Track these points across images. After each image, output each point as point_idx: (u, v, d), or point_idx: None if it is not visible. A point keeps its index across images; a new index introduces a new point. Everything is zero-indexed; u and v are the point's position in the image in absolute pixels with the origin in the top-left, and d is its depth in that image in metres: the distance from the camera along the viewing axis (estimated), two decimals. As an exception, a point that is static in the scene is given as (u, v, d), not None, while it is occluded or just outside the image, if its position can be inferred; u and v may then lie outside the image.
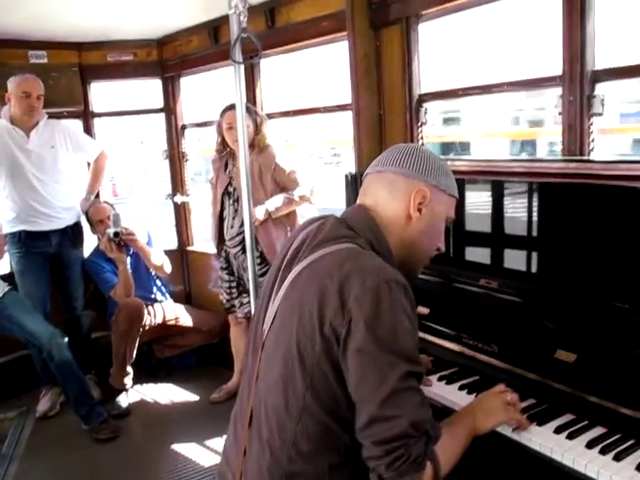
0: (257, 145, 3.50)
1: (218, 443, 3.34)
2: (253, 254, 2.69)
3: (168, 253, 4.40)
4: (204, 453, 3.34)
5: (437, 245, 1.56)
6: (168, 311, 4.29)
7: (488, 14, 2.94)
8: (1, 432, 3.67)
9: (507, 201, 2.17)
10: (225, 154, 3.66)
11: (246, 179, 2.59)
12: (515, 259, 2.15)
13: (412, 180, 1.46)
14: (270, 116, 3.72)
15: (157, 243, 4.36)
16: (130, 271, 4.03)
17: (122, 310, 3.90)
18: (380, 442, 1.24)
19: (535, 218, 2.05)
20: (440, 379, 1.95)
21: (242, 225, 3.22)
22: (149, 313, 4.08)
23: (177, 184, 4.87)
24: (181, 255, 4.92)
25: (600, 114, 2.32)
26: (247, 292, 3.59)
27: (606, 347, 1.68)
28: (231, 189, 3.60)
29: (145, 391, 4.20)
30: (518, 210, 2.13)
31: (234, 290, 3.75)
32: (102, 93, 4.86)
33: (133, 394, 4.07)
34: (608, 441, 1.51)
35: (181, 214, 4.93)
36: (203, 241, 4.95)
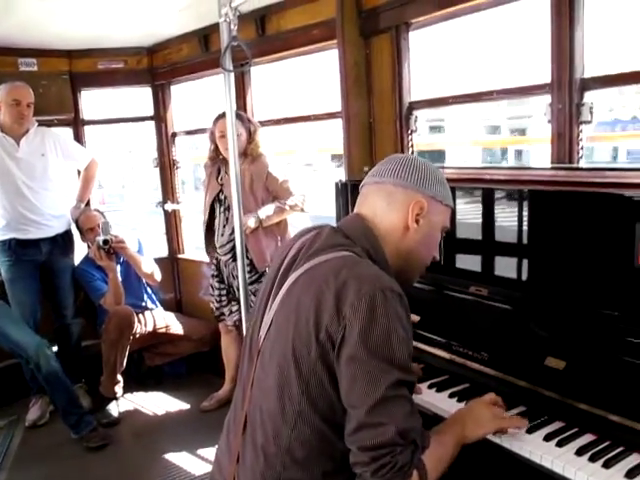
0: (250, 154, 3.49)
1: (209, 451, 3.32)
2: (244, 263, 2.69)
3: (159, 261, 4.39)
4: (195, 461, 3.32)
5: (433, 254, 1.58)
6: (158, 319, 4.27)
7: (478, 23, 2.95)
8: (-10, 441, 3.64)
9: (497, 209, 2.18)
10: (217, 161, 3.65)
11: (237, 188, 2.59)
12: (505, 267, 2.15)
13: (410, 191, 1.47)
14: (261, 124, 3.73)
15: (147, 251, 4.35)
16: (120, 279, 4.02)
17: (112, 318, 3.89)
18: (367, 448, 1.25)
19: (525, 226, 2.06)
20: (430, 387, 1.94)
21: (232, 233, 3.22)
22: (139, 321, 4.06)
23: (168, 192, 4.86)
24: (172, 263, 4.91)
25: (589, 122, 2.33)
26: (237, 300, 3.59)
27: (595, 354, 1.68)
28: (222, 197, 3.60)
29: (135, 399, 4.17)
30: (508, 218, 2.14)
31: (224, 298, 3.75)
32: (92, 101, 4.85)
33: (123, 402, 4.04)
34: (598, 448, 1.51)
35: (172, 222, 4.92)
36: (194, 249, 4.94)
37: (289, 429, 1.33)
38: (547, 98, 2.40)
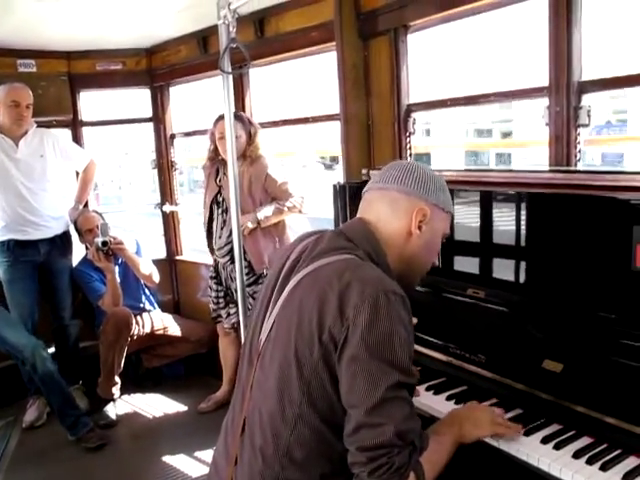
0: (249, 155, 3.48)
1: (207, 453, 3.32)
2: (241, 266, 2.68)
3: (157, 262, 4.39)
4: (192, 463, 3.32)
5: (433, 260, 1.60)
6: (156, 321, 4.27)
7: (476, 26, 2.96)
8: (-13, 443, 3.64)
9: (495, 211, 2.18)
10: (217, 161, 3.64)
11: (235, 190, 2.59)
12: (503, 269, 2.16)
13: (414, 199, 1.49)
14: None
15: (146, 252, 4.34)
16: (119, 280, 4.02)
17: (110, 319, 3.88)
18: (364, 449, 1.25)
19: (523, 228, 2.06)
20: (428, 389, 1.95)
21: (230, 235, 3.22)
22: (137, 323, 4.06)
23: (166, 193, 4.86)
24: (170, 265, 4.91)
25: (587, 125, 2.33)
26: (235, 303, 3.58)
27: (592, 357, 1.68)
28: (220, 199, 3.59)
29: (133, 401, 4.17)
30: (506, 220, 2.14)
31: (221, 300, 3.74)
32: (91, 102, 4.85)
33: (121, 404, 4.04)
34: (595, 451, 1.51)
35: (170, 223, 4.92)
36: (189, 250, 4.94)
37: (289, 430, 1.34)
38: (545, 101, 2.41)
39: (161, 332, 4.26)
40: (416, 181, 1.50)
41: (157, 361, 4.38)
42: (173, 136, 4.80)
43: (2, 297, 3.86)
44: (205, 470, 2.97)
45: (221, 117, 3.43)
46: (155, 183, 5.04)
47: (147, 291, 4.36)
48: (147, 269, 4.14)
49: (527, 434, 1.60)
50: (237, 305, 2.97)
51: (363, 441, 1.26)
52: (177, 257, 4.92)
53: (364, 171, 2.82)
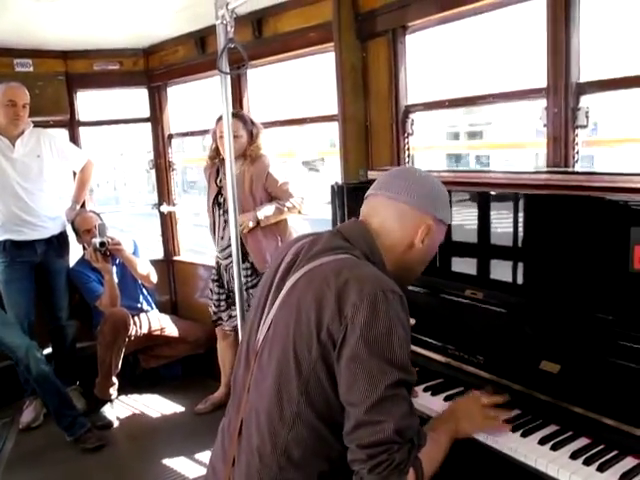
0: (249, 155, 3.46)
1: (204, 454, 3.31)
2: (239, 265, 2.68)
3: (154, 263, 4.38)
4: (190, 464, 3.31)
5: (426, 265, 1.64)
6: (154, 321, 4.26)
7: (474, 26, 2.96)
8: (-17, 444, 3.63)
9: (493, 212, 2.18)
10: (218, 161, 3.62)
11: (232, 190, 2.59)
12: (501, 270, 2.15)
13: (422, 214, 1.51)
14: (258, 126, 3.72)
15: (143, 253, 4.34)
16: (116, 281, 4.01)
17: (108, 320, 3.88)
18: (364, 446, 1.26)
19: (520, 229, 2.06)
20: (426, 390, 1.94)
21: (232, 235, 3.21)
22: (135, 323, 4.05)
23: (163, 194, 4.85)
24: (167, 265, 4.90)
25: (585, 126, 2.34)
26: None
27: (590, 358, 1.68)
28: (221, 200, 3.56)
29: (130, 402, 4.16)
30: (504, 221, 2.14)
31: (222, 303, 3.71)
32: (88, 102, 4.84)
33: (118, 405, 4.03)
34: (592, 452, 1.51)
35: (167, 224, 4.91)
36: (187, 251, 4.94)
37: (287, 429, 1.34)
38: (542, 102, 2.41)
39: (158, 333, 4.25)
40: (426, 197, 1.52)
41: (154, 362, 4.37)
42: (171, 136, 4.79)
43: (0, 297, 3.84)
44: (202, 471, 2.96)
45: None
46: (150, 184, 5.03)
47: (145, 291, 4.36)
48: (144, 269, 4.13)
49: (525, 435, 1.60)
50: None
51: (363, 438, 1.26)
52: (175, 257, 4.91)
53: (362, 172, 2.83)
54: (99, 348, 3.89)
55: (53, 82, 4.41)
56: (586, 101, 2.33)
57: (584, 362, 1.68)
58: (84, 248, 4.10)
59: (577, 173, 2.18)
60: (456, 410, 1.61)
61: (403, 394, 1.30)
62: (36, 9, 3.36)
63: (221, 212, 3.56)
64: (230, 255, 3.48)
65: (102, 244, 3.85)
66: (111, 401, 3.94)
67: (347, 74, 3.00)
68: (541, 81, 2.40)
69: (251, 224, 3.36)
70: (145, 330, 4.14)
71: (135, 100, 4.98)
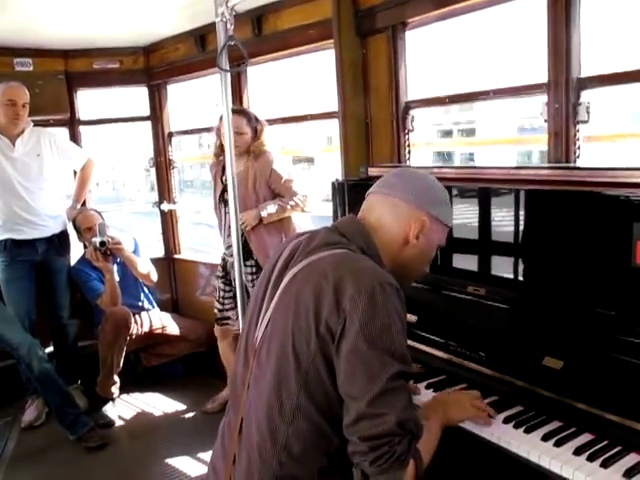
0: (252, 151, 3.44)
1: (205, 452, 3.30)
2: (240, 263, 2.67)
3: (155, 261, 4.38)
4: (192, 462, 3.31)
5: (425, 269, 1.65)
6: (155, 320, 4.26)
7: (474, 22, 2.95)
8: (-14, 443, 3.63)
9: (494, 208, 2.18)
10: (223, 158, 3.58)
11: (233, 186, 2.58)
12: (503, 266, 2.15)
13: (415, 209, 1.53)
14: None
15: (144, 251, 4.34)
16: (117, 279, 4.01)
17: (109, 319, 3.88)
18: (366, 438, 1.27)
19: (522, 225, 2.06)
20: (428, 387, 1.95)
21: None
22: (136, 322, 4.05)
23: (164, 192, 4.85)
24: (168, 263, 4.89)
25: (586, 121, 2.33)
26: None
27: (593, 354, 1.68)
28: (226, 197, 3.54)
29: (132, 400, 4.16)
30: (505, 217, 2.14)
31: (227, 301, 3.65)
32: (88, 101, 4.83)
33: (120, 403, 4.03)
34: (596, 448, 1.51)
35: (168, 222, 4.91)
36: (188, 250, 4.94)
37: (286, 425, 1.35)
38: (543, 97, 2.40)
39: (160, 331, 4.25)
40: (421, 192, 1.54)
41: (156, 360, 4.38)
42: (171, 134, 4.78)
43: (1, 296, 3.84)
44: (204, 470, 2.96)
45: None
46: (149, 183, 5.03)
47: (146, 290, 4.36)
48: (145, 268, 4.13)
49: (528, 431, 1.60)
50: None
51: (365, 431, 1.27)
52: (175, 256, 4.91)
53: (362, 168, 2.82)
54: (100, 347, 3.90)
55: (53, 81, 4.40)
56: (587, 96, 2.32)
57: (587, 358, 1.68)
58: (85, 246, 4.10)
59: (579, 168, 2.18)
60: (442, 398, 1.67)
61: (403, 385, 1.31)
62: (36, 8, 3.35)
63: (227, 209, 3.53)
64: (236, 253, 3.48)
65: (102, 243, 3.85)
66: (113, 400, 3.95)
67: (347, 71, 3.00)
68: (542, 76, 2.39)
69: (254, 222, 3.35)
70: (146, 328, 4.15)
71: (135, 98, 4.98)
